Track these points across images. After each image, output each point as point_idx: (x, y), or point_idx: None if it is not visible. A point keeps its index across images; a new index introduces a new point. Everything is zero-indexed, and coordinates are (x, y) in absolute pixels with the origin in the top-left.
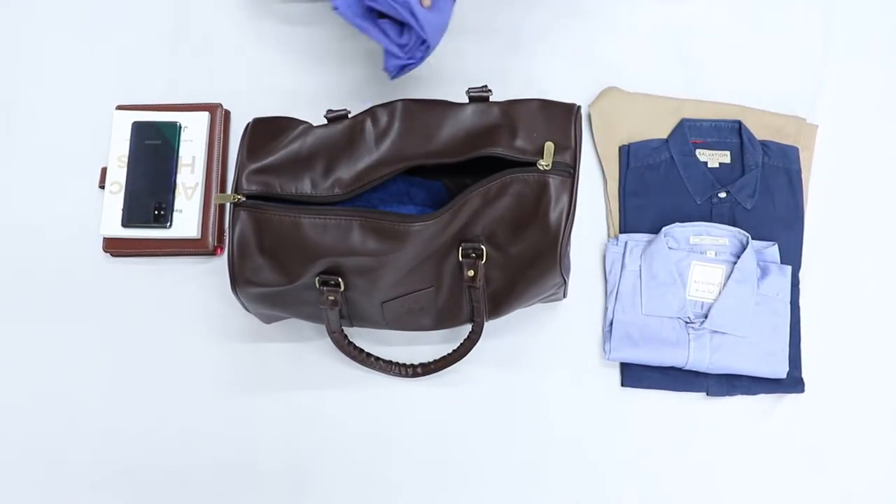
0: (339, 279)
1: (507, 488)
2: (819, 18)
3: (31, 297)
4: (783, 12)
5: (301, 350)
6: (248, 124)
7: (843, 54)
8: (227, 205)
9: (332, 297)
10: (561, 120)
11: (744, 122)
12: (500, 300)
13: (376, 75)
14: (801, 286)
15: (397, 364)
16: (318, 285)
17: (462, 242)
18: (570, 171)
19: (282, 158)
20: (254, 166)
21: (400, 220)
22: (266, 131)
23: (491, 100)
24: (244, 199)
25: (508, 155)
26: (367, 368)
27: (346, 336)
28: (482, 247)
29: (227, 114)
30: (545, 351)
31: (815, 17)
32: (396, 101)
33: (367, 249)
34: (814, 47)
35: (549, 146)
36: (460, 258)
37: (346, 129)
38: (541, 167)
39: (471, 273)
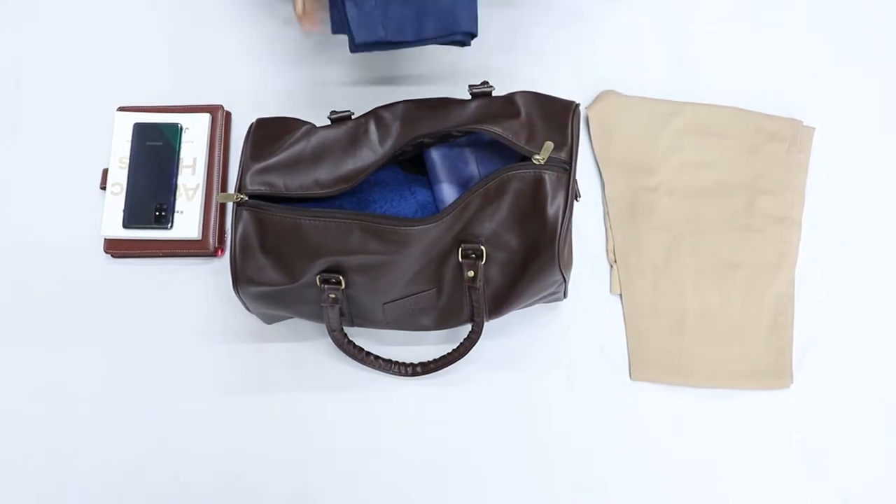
0: (341, 277)
1: (507, 489)
2: (816, 20)
3: (31, 298)
4: (780, 15)
5: (302, 350)
6: (251, 124)
7: (840, 56)
8: (229, 205)
9: (332, 295)
10: (559, 115)
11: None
12: (501, 299)
13: (378, 78)
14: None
15: (397, 363)
16: (319, 283)
17: (462, 243)
18: (565, 167)
19: (286, 158)
20: (257, 166)
21: (400, 223)
22: (269, 131)
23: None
24: (247, 198)
25: (505, 137)
26: (367, 368)
27: (346, 335)
28: (481, 247)
29: (228, 115)
30: (545, 351)
31: (812, 19)
32: (399, 102)
33: (368, 250)
34: (811, 49)
35: (549, 145)
36: (460, 259)
37: (349, 130)
38: (536, 161)
39: (471, 273)
